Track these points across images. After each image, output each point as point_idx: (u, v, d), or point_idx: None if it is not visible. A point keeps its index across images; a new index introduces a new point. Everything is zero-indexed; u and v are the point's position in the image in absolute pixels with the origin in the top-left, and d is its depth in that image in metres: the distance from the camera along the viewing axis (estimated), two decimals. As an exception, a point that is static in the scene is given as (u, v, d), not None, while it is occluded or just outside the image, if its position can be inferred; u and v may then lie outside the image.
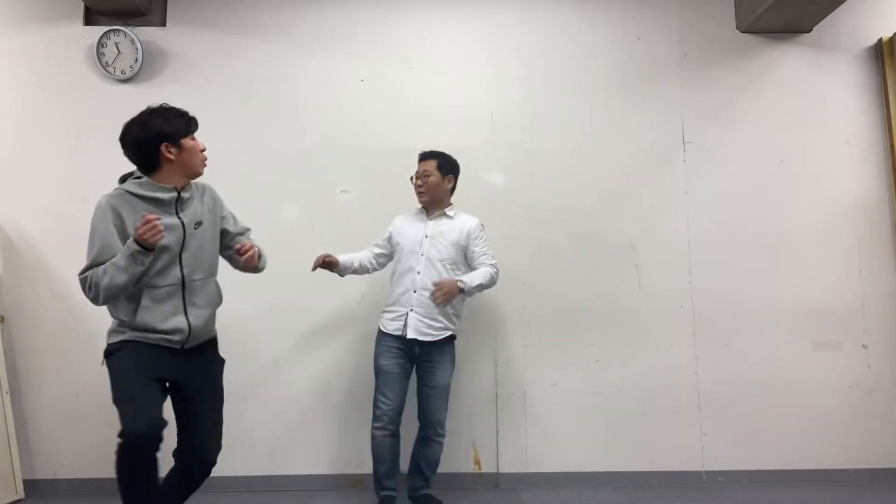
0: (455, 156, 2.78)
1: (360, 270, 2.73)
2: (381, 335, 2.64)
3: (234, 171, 3.16)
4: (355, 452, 2.96)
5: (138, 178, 1.99)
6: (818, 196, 3.23)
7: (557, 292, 3.15)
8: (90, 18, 3.24)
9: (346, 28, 3.29)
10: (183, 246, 1.99)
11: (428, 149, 2.76)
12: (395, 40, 3.29)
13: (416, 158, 2.76)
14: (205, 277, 2.07)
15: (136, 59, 3.16)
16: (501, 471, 3.05)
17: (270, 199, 3.16)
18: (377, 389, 2.61)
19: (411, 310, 2.56)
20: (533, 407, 3.09)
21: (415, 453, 2.68)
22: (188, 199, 2.04)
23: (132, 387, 1.89)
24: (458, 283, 2.50)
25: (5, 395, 2.89)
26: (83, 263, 1.94)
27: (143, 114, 2.00)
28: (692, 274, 3.18)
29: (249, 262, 2.13)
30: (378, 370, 2.62)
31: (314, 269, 2.61)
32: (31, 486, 2.94)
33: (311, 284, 3.09)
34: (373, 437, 2.58)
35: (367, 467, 2.68)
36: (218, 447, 2.10)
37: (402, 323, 2.56)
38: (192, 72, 3.22)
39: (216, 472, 3.01)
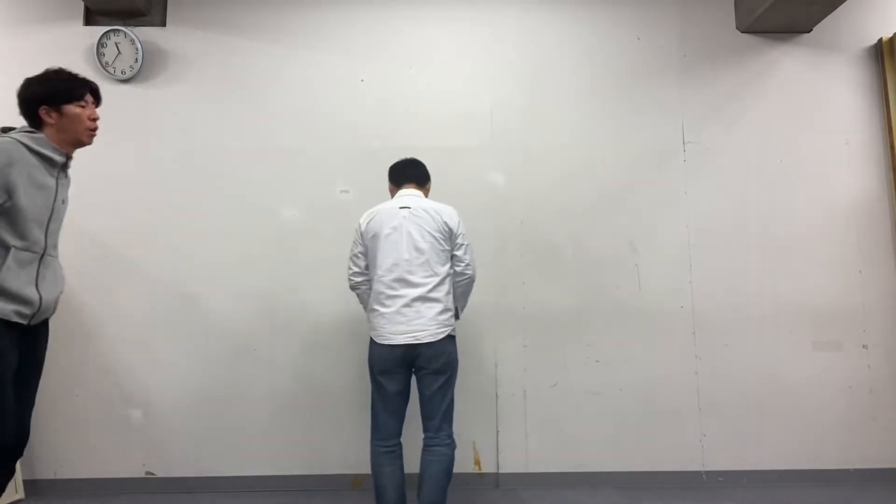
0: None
1: None
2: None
3: (234, 171, 3.17)
4: (355, 452, 2.96)
5: (30, 131, 1.91)
6: (818, 196, 3.23)
7: (557, 292, 3.15)
8: (90, 18, 3.25)
9: (347, 28, 3.29)
10: (51, 215, 1.93)
11: (401, 170, 2.58)
12: (396, 40, 3.29)
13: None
14: (55, 256, 1.99)
15: (136, 59, 3.16)
16: (501, 471, 3.05)
17: (270, 199, 3.16)
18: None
19: None
20: (533, 407, 3.09)
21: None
22: (68, 169, 1.99)
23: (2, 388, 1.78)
24: None
25: (5, 395, 2.88)
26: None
27: (36, 74, 1.96)
28: (692, 274, 3.18)
29: None
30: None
31: None
32: (31, 486, 2.94)
33: (311, 284, 3.10)
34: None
35: (367, 467, 2.67)
36: (26, 431, 1.98)
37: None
38: (192, 72, 3.22)
39: (216, 472, 3.03)
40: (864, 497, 2.86)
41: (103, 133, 3.15)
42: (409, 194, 2.47)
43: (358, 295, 2.50)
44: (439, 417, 2.31)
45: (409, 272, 2.30)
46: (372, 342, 2.35)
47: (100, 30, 3.16)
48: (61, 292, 2.03)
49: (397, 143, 3.17)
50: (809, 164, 3.25)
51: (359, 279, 2.45)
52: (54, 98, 1.92)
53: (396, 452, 2.32)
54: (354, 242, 2.47)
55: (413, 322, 2.26)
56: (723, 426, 3.08)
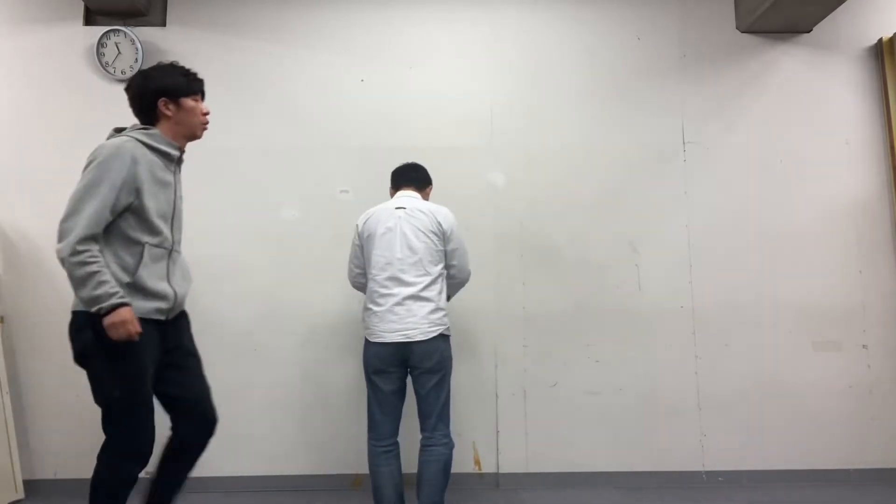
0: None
1: None
2: None
3: (234, 171, 3.17)
4: (355, 452, 2.96)
5: (144, 128, 1.91)
6: (818, 196, 3.23)
7: (557, 292, 3.15)
8: (90, 18, 3.24)
9: (347, 28, 3.29)
10: (174, 211, 1.95)
11: (402, 174, 2.59)
12: (396, 40, 3.29)
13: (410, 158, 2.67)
14: (180, 251, 2.01)
15: (136, 59, 3.16)
16: (501, 471, 3.05)
17: (270, 199, 3.16)
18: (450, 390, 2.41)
19: None
20: (533, 407, 3.09)
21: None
22: (181, 164, 2.01)
23: (136, 393, 1.81)
24: None
25: (5, 395, 2.89)
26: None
27: (150, 67, 1.98)
28: (692, 274, 3.18)
29: None
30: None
31: None
32: (31, 486, 2.94)
33: (311, 284, 3.10)
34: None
35: (367, 467, 2.67)
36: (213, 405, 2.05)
37: None
38: (192, 72, 3.22)
39: (216, 472, 3.03)
40: (864, 497, 2.86)
41: (103, 133, 3.16)
42: (406, 195, 2.48)
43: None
44: (435, 416, 2.32)
45: (402, 271, 2.31)
46: (366, 342, 2.36)
47: (100, 30, 3.16)
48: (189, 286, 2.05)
49: (397, 143, 3.17)
50: (809, 164, 3.25)
51: (361, 279, 2.48)
52: (175, 90, 1.93)
53: (393, 452, 2.33)
54: (353, 243, 2.49)
55: (405, 320, 2.27)
56: (723, 426, 3.08)
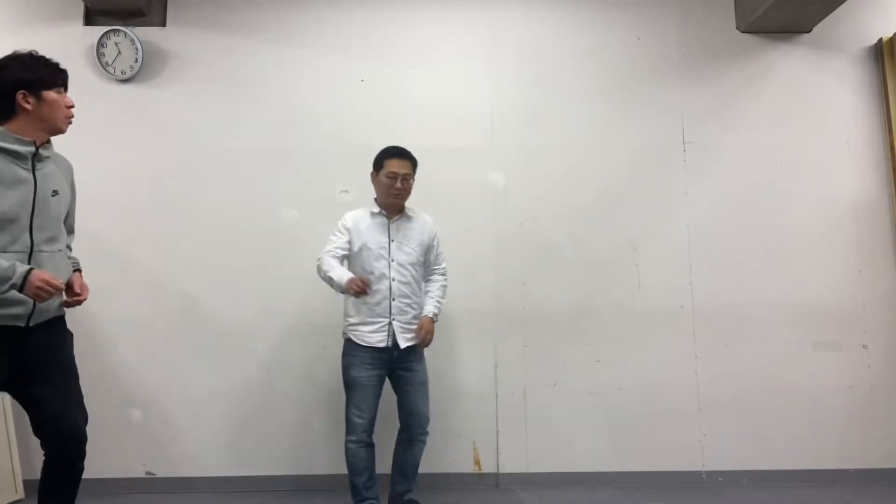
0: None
1: None
2: (354, 346, 2.49)
3: (234, 171, 3.17)
4: (355, 452, 2.96)
5: None
6: (818, 196, 3.23)
7: (557, 292, 3.15)
8: (90, 18, 3.24)
9: (346, 28, 3.29)
10: (34, 210, 1.80)
11: (398, 145, 2.61)
12: (396, 40, 3.29)
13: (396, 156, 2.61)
14: (54, 250, 1.86)
15: (136, 59, 3.15)
16: (501, 471, 3.05)
17: (270, 199, 3.16)
18: (351, 403, 2.48)
19: (393, 319, 2.46)
20: (533, 407, 3.09)
21: (398, 456, 2.61)
22: (46, 157, 1.87)
23: None
24: (432, 317, 2.53)
25: (5, 395, 2.89)
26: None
27: (6, 56, 1.83)
28: (692, 274, 3.18)
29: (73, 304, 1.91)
30: (352, 383, 2.48)
31: (358, 294, 2.33)
32: (31, 486, 2.93)
33: (310, 284, 3.09)
34: (348, 450, 2.48)
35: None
36: (84, 417, 1.92)
37: (386, 334, 2.45)
38: (192, 72, 3.22)
39: (216, 472, 3.03)
40: (864, 497, 2.86)
41: (103, 133, 3.17)
42: None
43: None
44: None
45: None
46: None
47: (100, 30, 3.16)
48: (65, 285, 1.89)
49: (397, 143, 3.16)
50: (809, 164, 3.25)
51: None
52: (35, 83, 1.81)
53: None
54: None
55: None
56: (723, 426, 3.08)
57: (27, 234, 1.79)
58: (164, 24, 3.26)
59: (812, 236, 3.20)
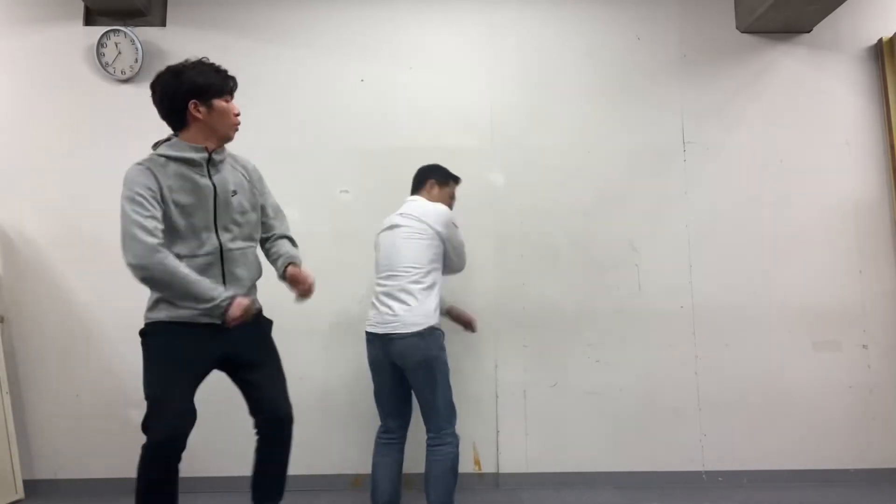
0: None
1: None
2: (441, 334, 2.40)
3: (234, 171, 3.17)
4: (355, 452, 2.96)
5: (168, 140, 1.88)
6: (818, 196, 3.23)
7: (557, 292, 3.15)
8: (90, 18, 3.24)
9: (346, 28, 3.29)
10: (216, 212, 1.88)
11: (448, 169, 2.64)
12: (395, 40, 3.29)
13: (418, 164, 2.65)
14: (244, 247, 1.96)
15: (136, 59, 3.16)
16: (501, 471, 3.05)
17: (270, 199, 3.15)
18: (449, 389, 2.35)
19: None
20: (533, 407, 3.09)
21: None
22: (220, 161, 1.93)
23: (161, 383, 1.85)
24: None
25: (5, 395, 2.89)
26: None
27: (179, 64, 1.88)
28: (692, 274, 3.18)
29: (305, 294, 2.10)
30: (448, 370, 2.35)
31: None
32: (31, 486, 2.94)
33: (311, 284, 3.10)
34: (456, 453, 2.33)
35: (368, 467, 2.68)
36: (287, 402, 2.13)
37: None
38: (192, 72, 3.22)
39: (216, 472, 3.02)
40: (864, 497, 2.86)
41: (103, 133, 3.17)
42: (410, 199, 2.55)
43: None
44: (433, 415, 2.34)
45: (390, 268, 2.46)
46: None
47: (100, 30, 3.16)
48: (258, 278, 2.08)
49: (397, 144, 3.17)
50: (810, 164, 3.25)
51: None
52: (206, 91, 1.85)
53: (394, 445, 2.45)
54: None
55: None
56: (723, 426, 3.08)
57: (214, 236, 1.88)
58: (163, 24, 3.26)
59: (812, 236, 3.20)
